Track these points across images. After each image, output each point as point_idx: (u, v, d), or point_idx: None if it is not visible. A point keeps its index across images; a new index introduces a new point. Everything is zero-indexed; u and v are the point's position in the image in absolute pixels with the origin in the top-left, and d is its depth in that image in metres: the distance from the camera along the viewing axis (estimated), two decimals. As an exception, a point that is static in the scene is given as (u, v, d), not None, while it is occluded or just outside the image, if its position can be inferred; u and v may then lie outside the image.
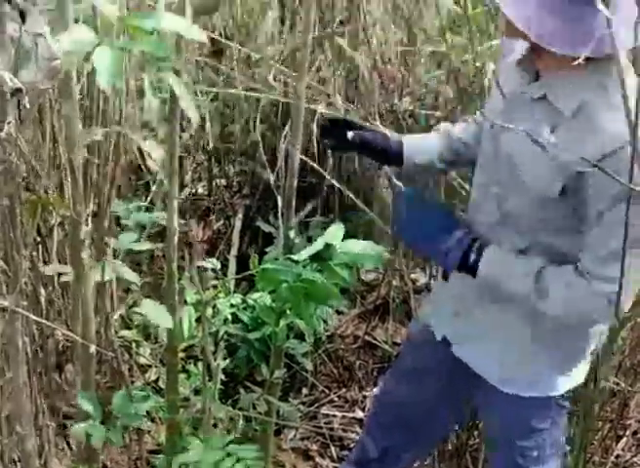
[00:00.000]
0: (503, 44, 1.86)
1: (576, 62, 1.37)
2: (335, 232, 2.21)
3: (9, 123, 1.21)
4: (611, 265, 1.55)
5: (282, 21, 3.39)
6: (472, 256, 1.77)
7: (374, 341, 3.27)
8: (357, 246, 2.30)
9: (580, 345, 1.86)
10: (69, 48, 1.20)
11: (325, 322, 2.94)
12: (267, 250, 3.29)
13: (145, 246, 2.04)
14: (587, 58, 1.46)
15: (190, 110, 1.68)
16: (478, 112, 2.07)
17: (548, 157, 1.57)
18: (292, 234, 2.66)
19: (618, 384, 2.52)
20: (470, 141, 2.02)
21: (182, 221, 3.67)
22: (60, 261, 2.34)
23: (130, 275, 1.88)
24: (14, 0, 1.04)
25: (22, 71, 1.03)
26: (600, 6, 1.24)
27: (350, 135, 2.02)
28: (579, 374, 1.92)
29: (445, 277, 1.95)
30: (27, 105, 1.06)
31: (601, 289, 1.61)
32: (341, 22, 3.05)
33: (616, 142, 1.50)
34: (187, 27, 1.46)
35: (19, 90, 1.11)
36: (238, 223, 3.54)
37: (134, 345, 2.76)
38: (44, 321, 1.93)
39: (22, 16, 1.05)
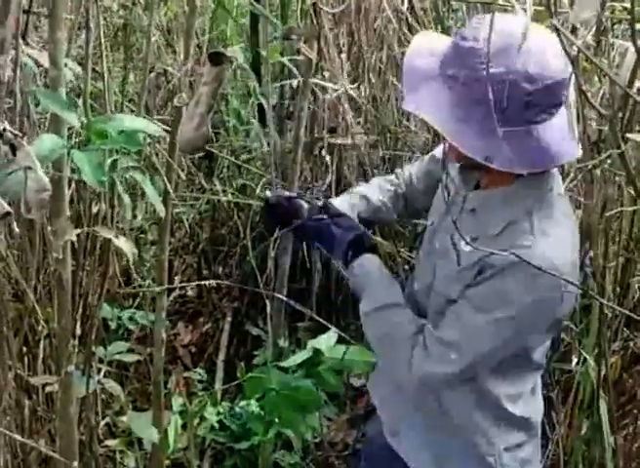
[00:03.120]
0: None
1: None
2: (327, 339, 2.21)
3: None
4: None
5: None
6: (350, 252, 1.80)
7: (364, 448, 3.21)
8: (346, 352, 2.30)
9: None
10: (42, 154, 1.25)
11: (313, 429, 2.89)
12: (256, 353, 3.27)
13: (133, 357, 2.02)
14: (519, 175, 1.49)
15: (157, 205, 1.72)
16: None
17: (456, 264, 1.60)
18: (281, 342, 2.65)
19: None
20: (389, 204, 2.04)
21: (170, 324, 3.66)
22: (46, 371, 2.31)
23: (114, 388, 1.84)
24: (5, 135, 1.06)
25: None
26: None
27: (267, 193, 2.01)
28: None
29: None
30: (16, 230, 1.07)
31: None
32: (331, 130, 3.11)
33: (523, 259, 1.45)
34: (147, 125, 1.52)
35: (7, 213, 1.12)
36: (227, 326, 3.52)
37: (118, 455, 2.69)
38: (27, 441, 1.88)
39: (13, 149, 1.07)
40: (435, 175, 1.91)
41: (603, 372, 2.21)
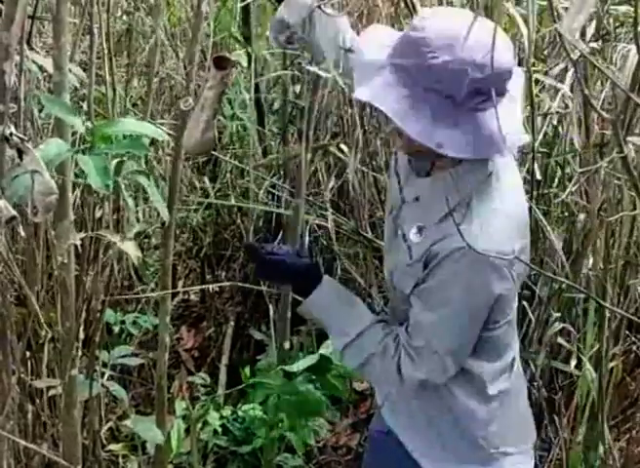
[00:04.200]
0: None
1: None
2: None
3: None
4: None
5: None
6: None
7: (367, 452, 3.21)
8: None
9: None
10: (48, 159, 1.26)
11: (316, 433, 2.89)
12: (259, 357, 3.28)
13: (136, 361, 2.02)
14: (461, 160, 1.52)
15: (161, 209, 1.74)
16: None
17: (408, 257, 1.61)
18: (286, 345, 2.66)
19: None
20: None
21: (173, 328, 3.67)
22: (49, 374, 2.32)
23: (118, 391, 1.85)
24: (12, 139, 1.07)
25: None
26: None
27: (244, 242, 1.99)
28: None
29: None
30: (22, 234, 1.08)
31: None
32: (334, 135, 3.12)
33: (460, 245, 1.48)
34: (151, 129, 1.53)
35: (13, 217, 1.13)
36: (230, 330, 3.52)
37: (121, 459, 2.70)
38: (30, 445, 1.88)
39: (20, 154, 1.08)
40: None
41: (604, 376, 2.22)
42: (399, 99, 1.48)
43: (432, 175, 1.63)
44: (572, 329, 2.53)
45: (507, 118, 1.46)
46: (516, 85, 1.55)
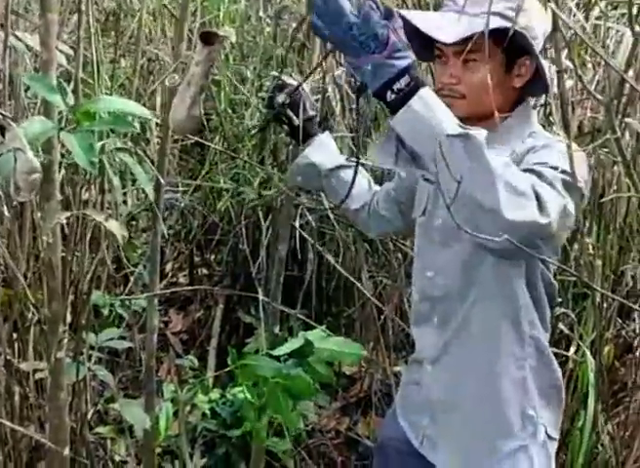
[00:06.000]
0: None
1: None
2: (317, 332, 2.22)
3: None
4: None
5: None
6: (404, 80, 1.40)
7: (356, 436, 3.21)
8: (335, 343, 2.31)
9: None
10: (31, 137, 1.24)
11: (305, 417, 2.89)
12: (247, 341, 3.26)
13: (124, 344, 2.00)
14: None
15: (147, 187, 1.72)
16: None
17: None
18: (276, 329, 2.64)
19: None
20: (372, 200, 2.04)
21: (162, 311, 3.65)
22: (36, 357, 2.30)
23: (105, 376, 1.83)
24: (-7, 116, 1.05)
25: None
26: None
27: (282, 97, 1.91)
28: None
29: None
30: (6, 213, 1.05)
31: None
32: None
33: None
34: (136, 107, 1.51)
35: (-4, 196, 1.11)
36: (219, 313, 3.50)
37: (109, 442, 2.69)
38: (17, 427, 1.87)
39: (2, 131, 1.06)
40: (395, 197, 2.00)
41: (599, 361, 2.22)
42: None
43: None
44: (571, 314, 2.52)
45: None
46: None
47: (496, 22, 1.50)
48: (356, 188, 1.89)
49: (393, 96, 1.40)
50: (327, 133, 2.06)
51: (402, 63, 1.38)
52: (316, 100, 2.38)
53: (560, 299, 2.51)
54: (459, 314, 1.73)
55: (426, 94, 1.41)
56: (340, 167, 2.01)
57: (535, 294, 1.72)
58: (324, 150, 2.03)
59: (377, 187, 2.09)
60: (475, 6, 1.55)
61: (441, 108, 1.43)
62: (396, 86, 1.39)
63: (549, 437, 1.79)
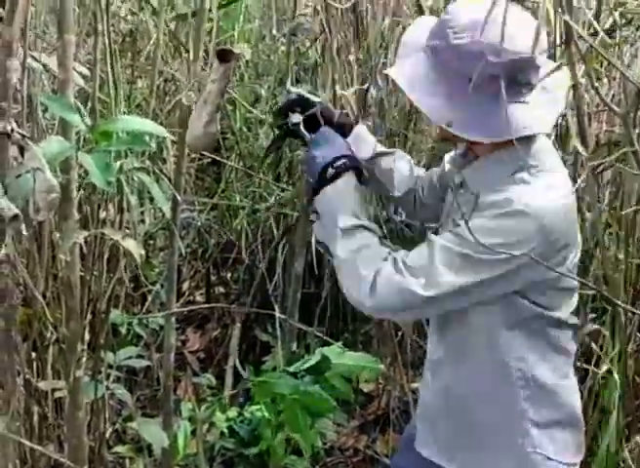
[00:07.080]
0: None
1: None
2: (334, 348, 2.21)
3: (6, 245, 1.21)
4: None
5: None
6: (330, 171, 1.69)
7: (374, 454, 3.18)
8: (352, 358, 2.31)
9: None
10: (50, 157, 1.25)
11: (323, 435, 2.87)
12: (265, 359, 3.26)
13: (142, 363, 2.01)
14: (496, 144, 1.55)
15: (164, 206, 1.74)
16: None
17: None
18: (293, 347, 2.64)
19: None
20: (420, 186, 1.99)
21: (179, 329, 3.65)
22: (55, 376, 2.30)
23: (123, 395, 1.83)
24: (13, 136, 1.06)
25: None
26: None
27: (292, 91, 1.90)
28: None
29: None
30: (24, 232, 1.06)
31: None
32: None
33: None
34: (153, 126, 1.52)
35: (16, 216, 1.11)
36: (236, 332, 3.50)
37: (127, 461, 2.68)
38: (36, 446, 1.87)
39: (21, 151, 1.07)
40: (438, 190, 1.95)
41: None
42: (421, 78, 1.55)
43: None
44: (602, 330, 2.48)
45: (530, 109, 1.50)
46: (555, 79, 1.48)
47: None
48: (397, 175, 1.95)
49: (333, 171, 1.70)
50: (361, 124, 1.99)
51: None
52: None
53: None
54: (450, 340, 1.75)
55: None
56: (379, 155, 1.96)
57: (523, 331, 1.67)
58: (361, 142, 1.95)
59: (420, 171, 2.02)
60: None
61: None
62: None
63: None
